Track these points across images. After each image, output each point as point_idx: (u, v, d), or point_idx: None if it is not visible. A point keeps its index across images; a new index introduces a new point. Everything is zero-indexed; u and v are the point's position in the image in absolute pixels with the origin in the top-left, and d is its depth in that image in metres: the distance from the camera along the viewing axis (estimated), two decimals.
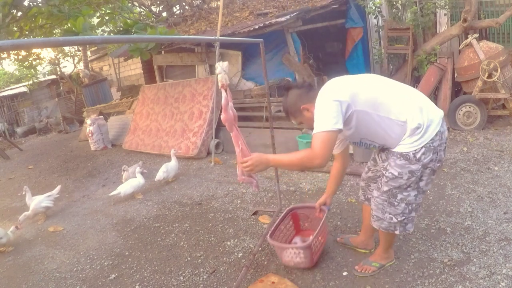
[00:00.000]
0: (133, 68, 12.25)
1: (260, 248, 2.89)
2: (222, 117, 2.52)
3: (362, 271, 2.43)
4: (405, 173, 1.96)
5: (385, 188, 2.07)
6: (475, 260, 2.44)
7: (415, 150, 1.91)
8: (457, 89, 6.05)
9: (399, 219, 2.11)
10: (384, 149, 2.12)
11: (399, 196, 2.05)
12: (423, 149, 1.90)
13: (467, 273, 2.32)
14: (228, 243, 3.13)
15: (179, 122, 6.51)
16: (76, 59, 14.38)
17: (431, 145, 1.91)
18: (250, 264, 2.66)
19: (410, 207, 2.09)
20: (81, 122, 10.95)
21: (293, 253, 2.51)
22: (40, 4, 5.90)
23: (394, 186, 2.03)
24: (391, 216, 2.12)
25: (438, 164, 2.00)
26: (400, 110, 1.91)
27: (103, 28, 9.34)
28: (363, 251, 2.66)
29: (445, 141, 1.98)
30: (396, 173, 1.99)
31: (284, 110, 2.28)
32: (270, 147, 3.42)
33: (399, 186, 2.02)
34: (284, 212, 2.90)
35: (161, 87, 7.44)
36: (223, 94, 2.50)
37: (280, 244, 2.60)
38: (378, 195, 2.14)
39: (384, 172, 2.07)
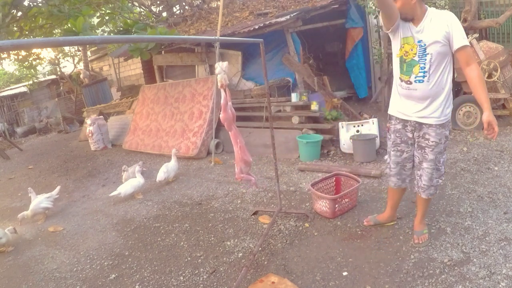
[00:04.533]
0: (133, 68, 12.25)
1: (260, 248, 2.89)
2: (221, 116, 2.59)
3: (421, 241, 2.67)
4: (443, 138, 2.44)
5: (432, 157, 2.48)
6: (475, 260, 2.44)
7: (448, 120, 2.45)
8: (457, 89, 6.04)
9: (442, 179, 2.60)
10: (416, 128, 2.50)
11: (441, 160, 2.51)
12: (449, 117, 2.47)
13: (467, 273, 2.33)
14: (228, 243, 3.13)
15: (179, 122, 6.51)
16: (76, 59, 14.38)
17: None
18: (250, 264, 2.66)
19: (444, 166, 2.57)
20: (81, 122, 10.95)
21: (322, 204, 3.27)
22: (40, 4, 5.90)
23: (437, 151, 2.46)
24: (437, 179, 2.55)
25: None
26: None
27: (103, 28, 9.34)
28: (391, 223, 3.01)
29: None
30: (437, 140, 2.43)
31: None
32: (270, 147, 3.42)
33: (440, 151, 2.47)
34: (330, 174, 3.68)
35: (161, 87, 7.44)
36: (222, 94, 2.53)
37: (317, 193, 3.30)
38: (428, 165, 2.50)
39: (427, 143, 2.46)
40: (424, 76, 2.34)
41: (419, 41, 2.33)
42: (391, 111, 2.65)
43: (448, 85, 2.39)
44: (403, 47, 2.39)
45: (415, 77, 2.37)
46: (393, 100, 2.62)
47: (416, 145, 2.56)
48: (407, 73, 2.40)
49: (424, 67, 2.33)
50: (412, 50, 2.35)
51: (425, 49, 2.31)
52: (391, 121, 2.66)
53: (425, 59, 2.32)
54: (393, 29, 2.38)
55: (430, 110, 2.40)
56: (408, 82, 2.40)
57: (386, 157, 2.82)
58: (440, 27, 2.28)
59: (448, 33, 2.27)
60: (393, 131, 2.62)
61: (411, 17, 2.32)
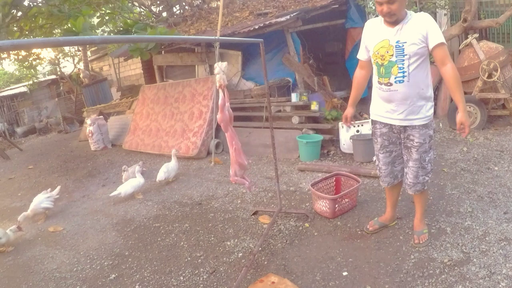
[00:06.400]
0: (133, 68, 12.25)
1: (260, 248, 2.89)
2: (218, 117, 2.61)
3: (421, 241, 2.68)
4: (427, 138, 2.48)
5: (416, 156, 2.52)
6: (475, 260, 2.44)
7: (431, 120, 2.47)
8: None
9: (429, 176, 2.62)
10: (401, 130, 2.53)
11: (427, 159, 2.54)
12: (432, 117, 2.49)
13: (467, 273, 2.33)
14: (228, 243, 3.13)
15: (179, 122, 6.51)
16: (76, 59, 14.38)
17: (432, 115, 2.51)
18: (250, 264, 2.66)
19: (431, 164, 2.60)
20: (81, 122, 10.94)
21: (322, 204, 3.26)
22: (40, 4, 5.90)
23: (421, 151, 2.50)
24: (424, 176, 2.58)
25: None
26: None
27: (103, 28, 9.35)
28: (393, 223, 3.01)
29: None
30: (421, 140, 2.47)
31: None
32: (270, 147, 3.42)
33: (425, 151, 2.50)
34: (330, 174, 3.67)
35: (161, 87, 7.44)
36: (220, 94, 2.54)
37: (317, 193, 3.29)
38: (413, 164, 2.56)
39: (412, 143, 2.51)
40: (404, 76, 2.36)
41: (397, 42, 2.35)
42: (374, 116, 2.67)
43: (430, 86, 2.45)
44: (377, 53, 2.42)
45: (395, 78, 2.38)
46: (374, 105, 2.65)
47: (403, 145, 2.61)
48: (386, 75, 2.42)
49: (403, 67, 2.35)
50: (388, 52, 2.37)
51: (403, 49, 2.33)
52: (375, 126, 2.68)
53: (403, 59, 2.34)
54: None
55: (412, 112, 2.43)
56: (389, 84, 2.42)
57: (374, 158, 2.83)
58: (417, 30, 2.31)
59: (425, 35, 2.29)
60: (380, 134, 2.65)
61: (402, 18, 2.33)
